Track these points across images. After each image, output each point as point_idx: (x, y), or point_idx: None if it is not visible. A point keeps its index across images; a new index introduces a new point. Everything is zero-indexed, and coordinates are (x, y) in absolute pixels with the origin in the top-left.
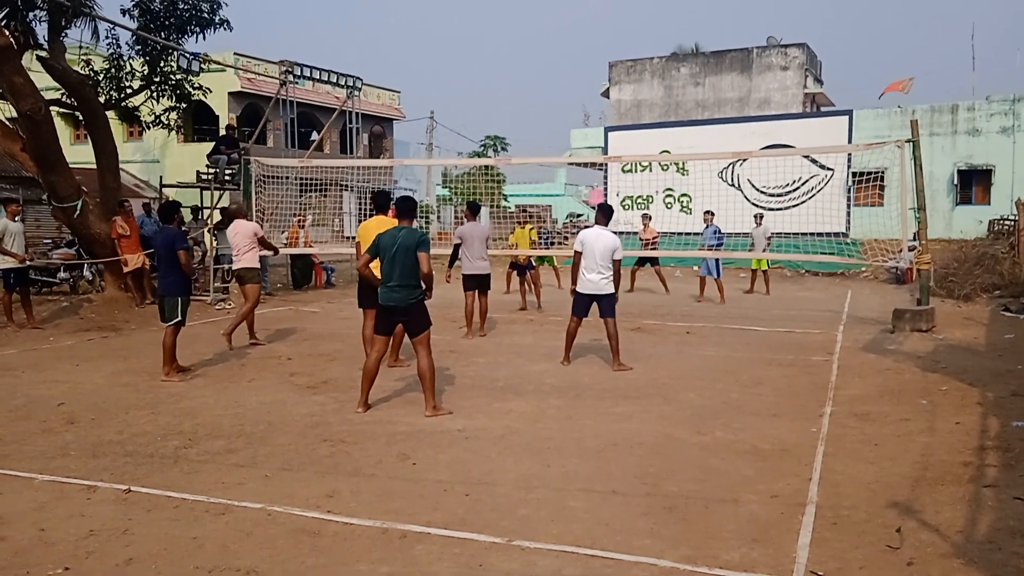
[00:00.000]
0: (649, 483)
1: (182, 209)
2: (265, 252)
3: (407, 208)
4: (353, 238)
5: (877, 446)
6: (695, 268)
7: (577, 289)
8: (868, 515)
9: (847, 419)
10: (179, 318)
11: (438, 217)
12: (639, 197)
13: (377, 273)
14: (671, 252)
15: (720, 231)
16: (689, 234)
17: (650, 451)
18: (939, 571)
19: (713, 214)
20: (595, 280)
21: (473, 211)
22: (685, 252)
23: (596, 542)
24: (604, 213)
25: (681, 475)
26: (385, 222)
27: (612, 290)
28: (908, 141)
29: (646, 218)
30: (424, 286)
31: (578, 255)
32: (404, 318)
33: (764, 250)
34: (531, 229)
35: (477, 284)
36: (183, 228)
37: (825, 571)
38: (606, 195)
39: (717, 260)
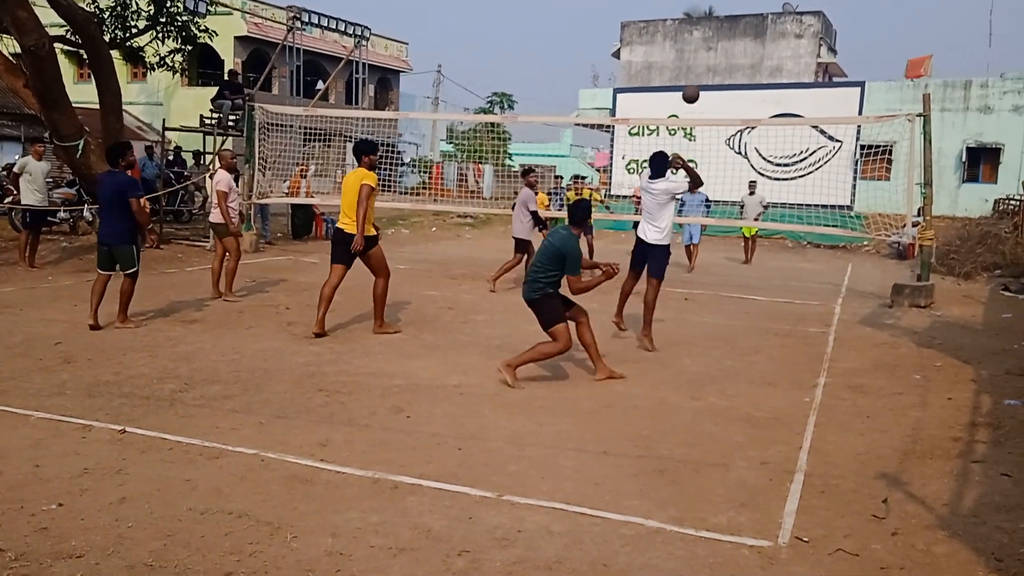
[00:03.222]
0: (641, 445)
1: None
2: (216, 215)
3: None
4: None
5: (869, 418)
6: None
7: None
8: (856, 485)
9: (840, 391)
10: (136, 267)
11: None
12: (644, 161)
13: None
14: (686, 219)
15: (708, 199)
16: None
17: (643, 414)
18: (923, 542)
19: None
20: (645, 230)
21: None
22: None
23: (585, 500)
24: (654, 163)
25: (673, 439)
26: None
27: (661, 242)
28: (919, 115)
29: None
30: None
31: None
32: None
33: (756, 219)
34: (546, 193)
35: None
36: (129, 170)
37: (811, 538)
38: (611, 158)
39: (699, 227)
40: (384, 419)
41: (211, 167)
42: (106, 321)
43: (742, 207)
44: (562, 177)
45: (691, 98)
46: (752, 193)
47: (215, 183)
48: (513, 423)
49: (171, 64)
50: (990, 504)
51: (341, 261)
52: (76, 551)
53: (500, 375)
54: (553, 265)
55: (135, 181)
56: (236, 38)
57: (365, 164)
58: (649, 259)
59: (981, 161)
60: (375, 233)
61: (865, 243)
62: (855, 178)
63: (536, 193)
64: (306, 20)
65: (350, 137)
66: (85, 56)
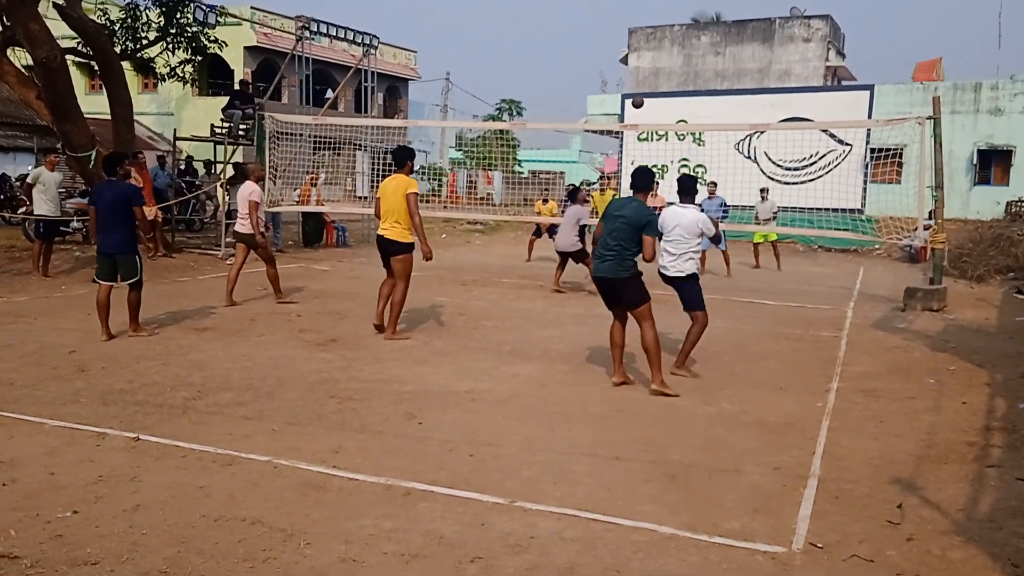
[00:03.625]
0: (653, 451)
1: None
2: (247, 227)
3: (637, 183)
4: (366, 198)
5: (882, 423)
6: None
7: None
8: (870, 490)
9: (853, 395)
10: (138, 276)
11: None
12: (654, 166)
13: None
14: None
15: (726, 203)
16: (702, 206)
17: (655, 419)
18: (938, 547)
19: (716, 184)
20: (666, 264)
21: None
22: None
23: (597, 506)
24: (685, 188)
25: (685, 444)
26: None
27: (687, 271)
28: (929, 118)
29: (655, 186)
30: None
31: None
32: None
33: (767, 223)
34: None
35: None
36: (128, 178)
37: (825, 543)
38: (620, 164)
39: (722, 232)
40: (396, 425)
41: (222, 176)
42: (117, 329)
43: (757, 214)
44: (574, 185)
45: (638, 104)
46: (764, 200)
47: (248, 194)
48: (525, 429)
49: (181, 75)
50: (1006, 509)
51: (387, 265)
52: (91, 558)
53: (660, 395)
54: (635, 240)
55: (138, 190)
56: (246, 48)
57: (406, 170)
58: (681, 292)
59: (992, 163)
60: (411, 240)
61: (876, 247)
62: (866, 181)
63: (590, 210)
64: (315, 30)
65: (360, 145)
66: (96, 67)
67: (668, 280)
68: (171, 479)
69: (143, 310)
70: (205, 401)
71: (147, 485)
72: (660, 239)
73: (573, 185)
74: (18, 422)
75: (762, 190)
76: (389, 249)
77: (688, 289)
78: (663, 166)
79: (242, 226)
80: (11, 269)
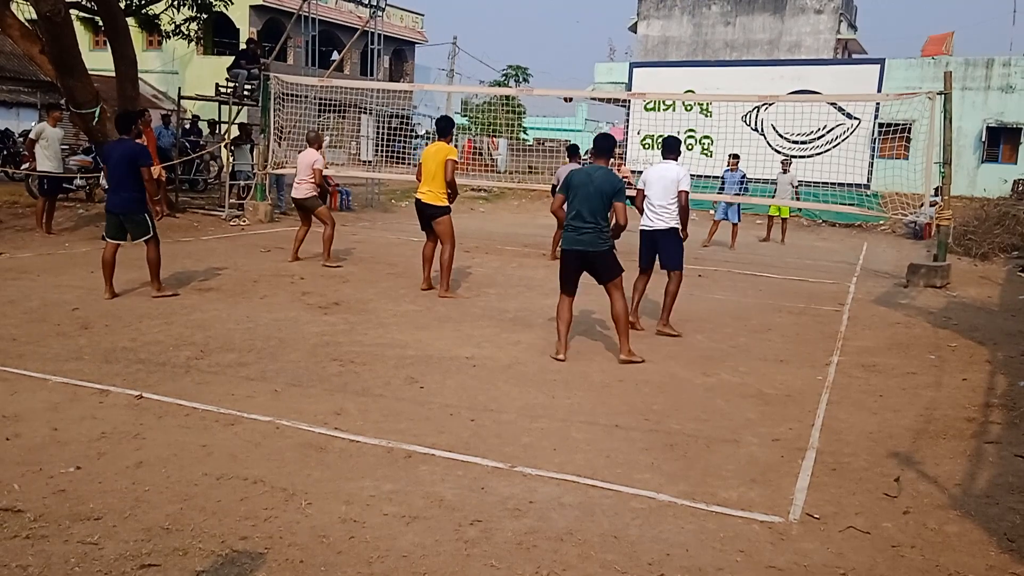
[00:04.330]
0: (652, 420)
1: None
2: (308, 191)
3: (601, 148)
4: (370, 162)
5: (882, 397)
6: (710, 211)
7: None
8: (868, 463)
9: (854, 369)
10: (151, 234)
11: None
12: (660, 137)
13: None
14: (715, 196)
15: (746, 176)
16: (708, 176)
17: (655, 389)
18: (934, 521)
19: (739, 158)
20: (652, 219)
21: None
22: (704, 195)
23: (596, 473)
24: (669, 147)
25: (684, 414)
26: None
27: (673, 224)
28: (940, 93)
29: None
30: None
31: (640, 192)
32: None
33: (792, 198)
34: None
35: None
36: (140, 139)
37: (822, 515)
38: (627, 133)
39: (738, 206)
40: (398, 389)
41: (227, 136)
42: (122, 288)
43: (776, 186)
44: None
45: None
46: (785, 172)
47: (313, 162)
48: (525, 395)
49: (186, 32)
50: (1003, 485)
51: (426, 228)
52: (94, 513)
53: (629, 363)
54: (608, 209)
55: (144, 149)
56: (251, 7)
57: (448, 139)
58: (662, 248)
59: (1001, 141)
60: (447, 203)
61: (881, 222)
62: (873, 157)
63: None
64: None
65: (365, 108)
66: (101, 23)
67: (653, 236)
68: (173, 437)
69: (159, 269)
70: (208, 361)
71: (150, 443)
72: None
73: (570, 142)
74: (21, 378)
75: (783, 162)
76: (426, 212)
77: (674, 244)
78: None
79: (300, 191)
80: (14, 225)
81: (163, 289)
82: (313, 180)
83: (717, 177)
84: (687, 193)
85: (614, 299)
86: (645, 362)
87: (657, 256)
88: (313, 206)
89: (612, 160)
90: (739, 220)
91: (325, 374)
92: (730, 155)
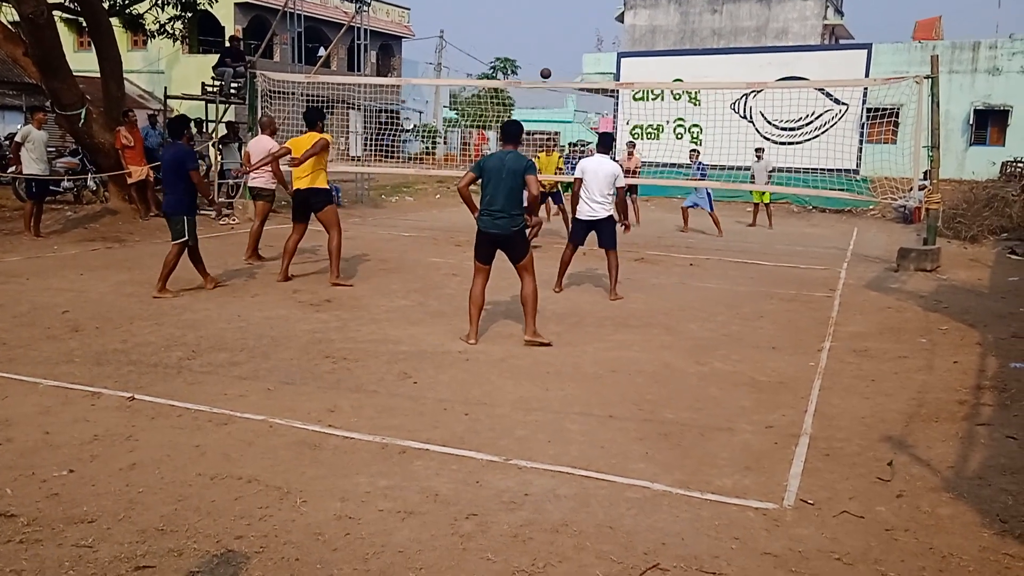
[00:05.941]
0: (646, 409)
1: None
2: (265, 180)
3: (509, 133)
4: (359, 158)
5: (874, 382)
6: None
7: (576, 216)
8: (861, 448)
9: (846, 355)
10: (186, 237)
11: (444, 140)
12: (649, 126)
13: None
14: (676, 182)
15: (704, 165)
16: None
17: (648, 379)
18: (928, 504)
19: (698, 152)
20: (594, 208)
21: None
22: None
23: (591, 464)
24: (604, 143)
25: (678, 403)
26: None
27: (608, 214)
28: (927, 77)
29: (631, 146)
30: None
31: (578, 182)
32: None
33: (766, 184)
34: (559, 157)
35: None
36: (192, 143)
37: (816, 500)
38: (616, 123)
39: (709, 194)
40: (391, 385)
41: (214, 135)
42: (112, 288)
43: (752, 173)
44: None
45: (546, 75)
46: (759, 160)
47: (257, 149)
48: (519, 388)
49: (171, 31)
50: (995, 467)
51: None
52: (88, 516)
53: (534, 344)
54: (522, 186)
55: (191, 152)
56: (236, 4)
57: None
58: (600, 232)
59: (989, 123)
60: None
61: (871, 207)
62: (861, 141)
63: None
64: None
65: (353, 104)
66: (84, 24)
67: (593, 224)
68: (167, 438)
69: (149, 271)
70: (199, 361)
71: (143, 444)
72: (581, 185)
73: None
74: (11, 382)
75: (757, 150)
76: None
77: (611, 229)
78: (658, 126)
79: (254, 180)
80: (2, 229)
81: (164, 292)
82: (271, 170)
83: (705, 165)
84: (624, 189)
85: (525, 281)
86: (551, 345)
87: (597, 237)
88: (262, 197)
89: (625, 149)
90: (712, 208)
91: (318, 371)
92: (691, 150)
